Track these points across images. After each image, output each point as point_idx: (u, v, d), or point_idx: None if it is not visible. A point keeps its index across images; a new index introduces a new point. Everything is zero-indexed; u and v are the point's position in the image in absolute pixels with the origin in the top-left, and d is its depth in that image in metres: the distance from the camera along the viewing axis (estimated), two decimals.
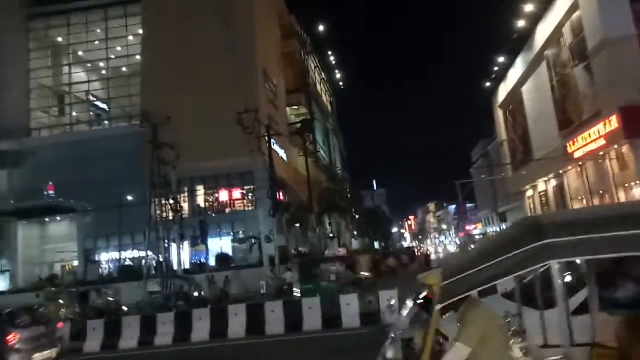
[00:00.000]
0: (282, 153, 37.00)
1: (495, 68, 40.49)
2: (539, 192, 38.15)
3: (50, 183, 32.97)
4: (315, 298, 13.27)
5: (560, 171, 31.72)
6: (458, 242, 74.94)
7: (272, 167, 27.03)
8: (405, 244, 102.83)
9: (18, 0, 39.18)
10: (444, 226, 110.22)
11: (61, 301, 18.68)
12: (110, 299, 19.48)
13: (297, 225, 33.17)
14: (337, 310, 12.21)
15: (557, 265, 2.40)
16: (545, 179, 35.59)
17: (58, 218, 35.84)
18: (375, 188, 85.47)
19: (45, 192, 32.87)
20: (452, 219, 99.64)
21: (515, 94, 39.20)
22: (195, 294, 20.01)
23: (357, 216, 52.80)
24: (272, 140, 29.02)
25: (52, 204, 32.70)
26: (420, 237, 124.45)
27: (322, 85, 62.05)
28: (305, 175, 32.96)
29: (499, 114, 45.32)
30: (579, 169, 29.13)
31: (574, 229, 2.28)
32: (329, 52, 57.85)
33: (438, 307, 2.66)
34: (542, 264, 2.37)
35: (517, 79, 38.04)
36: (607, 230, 2.16)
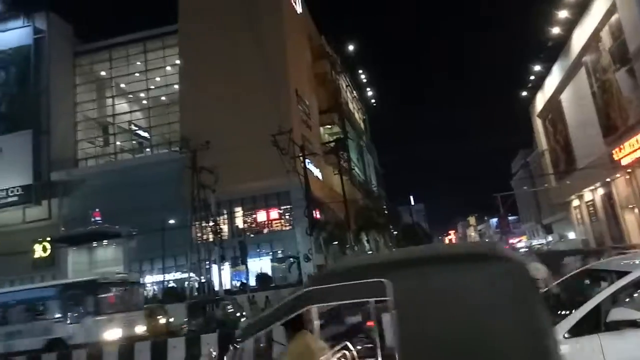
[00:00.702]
0: (317, 172, 37.27)
1: (532, 77, 39.52)
2: (586, 202, 36.54)
3: (97, 210, 34.36)
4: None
5: (608, 180, 30.32)
6: None
7: (308, 186, 27.24)
8: None
9: (65, 39, 41.89)
10: (486, 240, 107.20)
11: (160, 317, 19.57)
12: (230, 309, 19.92)
13: (335, 243, 33.11)
14: None
15: None
16: (592, 188, 34.09)
17: (105, 243, 37.24)
18: (413, 203, 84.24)
19: (92, 219, 34.27)
20: (494, 232, 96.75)
21: (554, 102, 38.08)
22: (237, 314, 20.22)
23: (395, 233, 52.16)
24: (307, 160, 29.32)
25: (99, 230, 34.02)
26: None
27: (354, 104, 62.39)
28: (341, 194, 32.97)
29: (538, 123, 44.04)
30: (628, 177, 27.78)
31: (331, 278, 2.69)
32: (360, 71, 58.36)
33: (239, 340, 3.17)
34: (305, 308, 2.82)
35: (555, 87, 36.96)
36: (349, 279, 2.51)
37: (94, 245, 37.61)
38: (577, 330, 3.87)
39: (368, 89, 64.66)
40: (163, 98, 42.20)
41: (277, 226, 35.67)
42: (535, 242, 56.86)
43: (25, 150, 38.20)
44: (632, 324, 3.70)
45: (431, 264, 2.58)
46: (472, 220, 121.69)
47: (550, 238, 44.41)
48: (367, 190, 53.69)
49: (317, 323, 3.98)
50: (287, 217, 35.28)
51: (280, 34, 37.01)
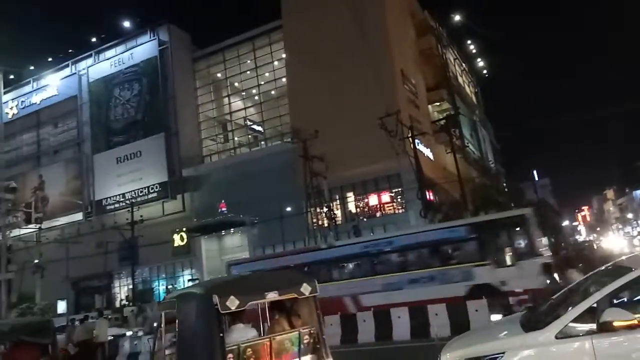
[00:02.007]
0: (428, 152, 36.16)
1: None
2: None
3: (223, 201, 37.34)
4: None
5: None
6: None
7: (419, 167, 26.57)
8: (580, 238, 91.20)
9: (184, 47, 45.89)
10: (629, 215, 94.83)
11: None
12: None
13: None
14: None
15: None
16: None
17: (231, 231, 40.22)
18: (537, 179, 77.71)
19: (219, 210, 37.35)
20: (639, 205, 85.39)
21: None
22: None
23: None
24: (417, 141, 28.57)
25: (225, 220, 36.84)
26: (598, 229, 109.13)
27: (464, 77, 59.07)
28: (455, 173, 31.60)
29: None
30: None
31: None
32: (468, 41, 54.96)
33: None
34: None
35: None
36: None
37: (222, 233, 40.87)
38: (570, 331, 3.62)
39: (479, 60, 60.74)
40: (273, 92, 44.09)
41: (389, 209, 35.45)
42: None
43: (159, 152, 42.86)
44: (627, 326, 3.35)
45: (181, 297, 5.01)
46: (610, 193, 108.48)
47: None
48: (484, 167, 50.68)
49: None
50: (399, 200, 34.87)
51: (381, 15, 36.32)
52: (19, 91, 52.90)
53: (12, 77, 45.36)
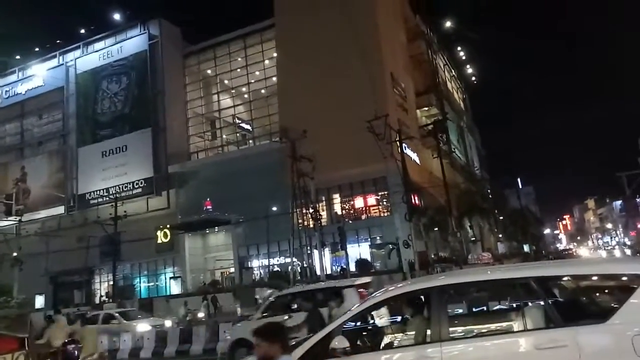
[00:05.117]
0: (414, 157, 36.42)
1: None
2: None
3: (208, 199, 37.11)
4: None
5: None
6: (628, 243, 64.99)
7: (406, 171, 26.75)
8: (561, 246, 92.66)
9: (175, 43, 45.51)
10: (608, 225, 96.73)
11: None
12: None
13: (436, 229, 32.17)
14: None
15: None
16: None
17: (216, 230, 40.01)
18: (520, 186, 78.83)
19: (204, 208, 37.11)
20: (618, 216, 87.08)
21: None
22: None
23: (501, 218, 49.29)
24: (404, 145, 28.76)
25: (210, 218, 36.63)
26: (578, 238, 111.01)
27: (453, 83, 59.68)
28: (441, 178, 31.91)
29: None
30: None
31: None
32: (459, 48, 55.56)
33: None
34: None
35: None
36: None
37: (207, 231, 40.63)
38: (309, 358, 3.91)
39: (468, 66, 61.43)
40: (263, 91, 43.99)
41: (375, 212, 35.62)
42: None
43: (146, 147, 42.38)
44: (347, 352, 3.73)
45: None
46: (591, 203, 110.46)
47: None
48: (469, 173, 51.28)
49: None
50: (384, 203, 35.05)
51: (373, 18, 36.53)
52: (3, 80, 51.89)
53: None
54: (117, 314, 19.36)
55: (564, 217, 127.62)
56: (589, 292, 4.22)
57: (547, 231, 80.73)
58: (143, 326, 17.69)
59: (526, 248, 51.14)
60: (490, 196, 50.72)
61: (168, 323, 19.19)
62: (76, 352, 6.68)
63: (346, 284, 11.29)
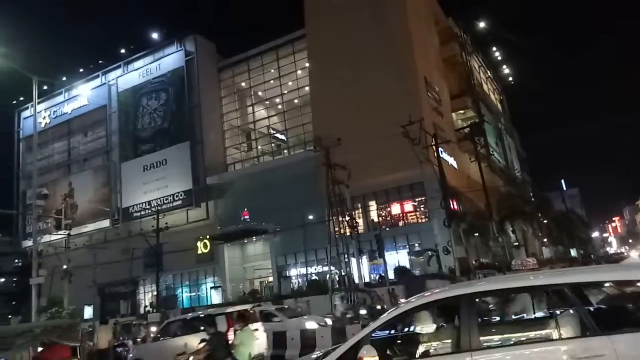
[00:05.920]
0: (451, 161, 35.76)
1: None
2: None
3: (245, 209, 37.64)
4: None
5: None
6: None
7: (443, 176, 26.23)
8: (611, 250, 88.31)
9: (210, 57, 46.74)
10: None
11: None
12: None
13: (477, 235, 31.34)
14: None
15: None
16: None
17: (254, 239, 40.46)
18: (565, 188, 75.78)
19: (242, 218, 37.63)
20: None
21: None
22: (378, 307, 20.42)
23: (545, 221, 47.52)
24: (440, 149, 28.25)
25: (248, 228, 37.10)
26: (630, 241, 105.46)
27: (489, 85, 58.35)
28: (479, 182, 31.17)
29: None
30: None
31: None
32: (494, 49, 54.37)
33: None
34: None
35: None
36: None
37: (245, 241, 41.16)
38: None
39: (504, 67, 59.99)
40: (296, 101, 44.36)
41: (412, 219, 35.08)
42: None
43: (185, 160, 43.58)
44: None
45: None
46: None
47: None
48: (509, 176, 49.82)
49: None
50: (422, 209, 34.49)
51: (405, 22, 36.27)
52: (51, 101, 54.76)
53: (45, 87, 46.94)
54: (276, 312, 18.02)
55: (614, 219, 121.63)
56: (627, 298, 3.99)
57: (595, 234, 77.05)
58: (310, 324, 16.62)
59: (573, 252, 49.05)
60: (532, 199, 48.99)
61: (329, 321, 17.95)
62: (124, 354, 7.19)
63: (219, 312, 13.48)
